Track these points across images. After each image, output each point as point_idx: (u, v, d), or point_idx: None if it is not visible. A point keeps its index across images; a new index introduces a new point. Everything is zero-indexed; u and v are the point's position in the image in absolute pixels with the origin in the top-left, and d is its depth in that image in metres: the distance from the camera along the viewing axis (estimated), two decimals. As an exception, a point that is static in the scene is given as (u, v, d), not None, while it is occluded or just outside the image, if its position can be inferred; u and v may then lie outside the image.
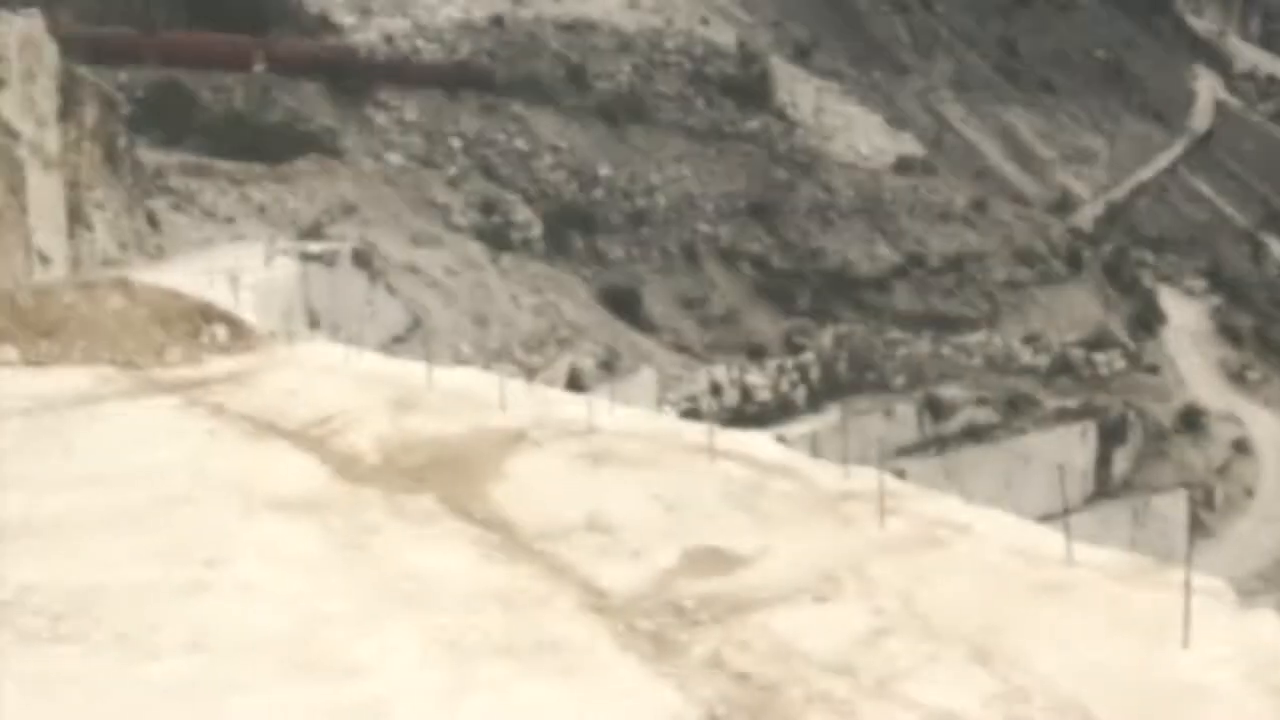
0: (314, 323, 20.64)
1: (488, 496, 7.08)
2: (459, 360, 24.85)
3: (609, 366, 31.48)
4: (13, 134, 14.87)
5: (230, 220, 26.15)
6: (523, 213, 36.00)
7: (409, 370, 10.93)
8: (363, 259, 24.46)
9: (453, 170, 35.37)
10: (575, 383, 28.72)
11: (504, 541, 6.21)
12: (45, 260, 15.66)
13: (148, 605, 5.09)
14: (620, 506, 6.83)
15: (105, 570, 5.52)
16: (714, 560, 6.03)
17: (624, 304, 36.06)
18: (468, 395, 9.71)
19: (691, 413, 31.00)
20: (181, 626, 4.88)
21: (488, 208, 34.23)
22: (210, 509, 6.54)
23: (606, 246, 39.95)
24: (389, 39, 40.68)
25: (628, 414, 9.48)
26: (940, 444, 35.47)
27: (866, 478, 6.88)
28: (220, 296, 14.15)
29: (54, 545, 5.88)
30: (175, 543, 5.94)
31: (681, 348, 37.87)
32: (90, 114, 19.69)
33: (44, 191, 15.91)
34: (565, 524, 6.57)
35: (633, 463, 7.61)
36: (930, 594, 5.21)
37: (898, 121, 55.81)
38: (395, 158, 34.12)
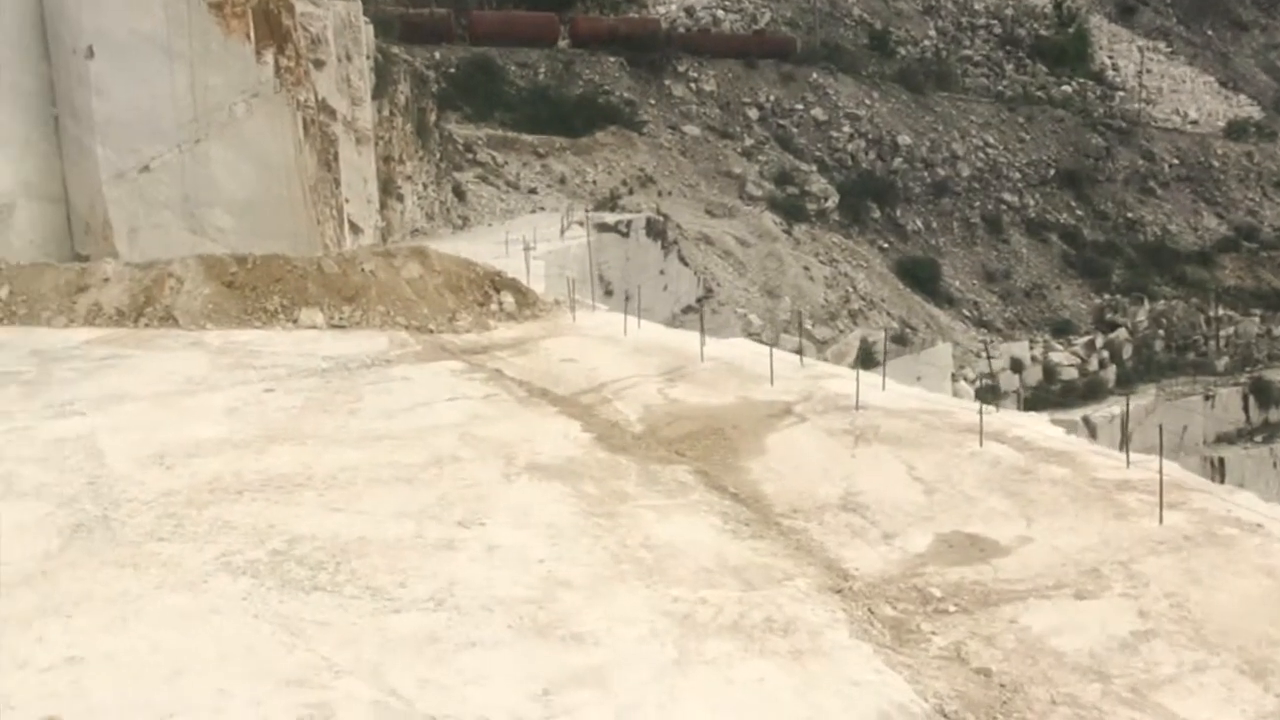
0: (607, 292, 21.10)
1: (744, 470, 7.00)
2: (748, 331, 24.87)
3: (902, 340, 30.70)
4: (329, 111, 15.92)
5: (532, 191, 27.11)
6: (818, 183, 35.55)
7: (685, 341, 10.98)
8: (657, 229, 24.84)
9: (749, 141, 35.31)
10: (866, 356, 28.18)
11: (752, 516, 6.11)
12: (356, 230, 16.74)
13: (400, 560, 5.31)
14: (878, 486, 6.60)
15: (369, 525, 5.80)
16: (970, 547, 5.72)
17: (921, 277, 35.06)
18: (738, 368, 9.64)
19: (988, 390, 29.85)
20: (428, 583, 5.06)
21: (783, 178, 34.01)
22: (473, 471, 6.77)
23: (905, 217, 38.93)
24: (689, 10, 40.95)
25: (900, 391, 9.17)
26: (1268, 432, 32.66)
27: (1149, 467, 6.34)
28: (512, 266, 14.70)
29: (328, 499, 6.24)
30: (436, 502, 6.17)
31: (981, 323, 36.46)
32: (402, 91, 20.86)
33: (356, 166, 16.99)
34: (818, 501, 6.41)
35: (897, 441, 7.33)
36: (1204, 597, 4.73)
37: (1232, 83, 51.50)
38: (692, 129, 34.38)
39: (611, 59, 34.52)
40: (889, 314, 31.73)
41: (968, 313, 36.38)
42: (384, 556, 5.36)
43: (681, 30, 39.05)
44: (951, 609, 4.98)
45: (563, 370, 9.85)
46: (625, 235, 23.19)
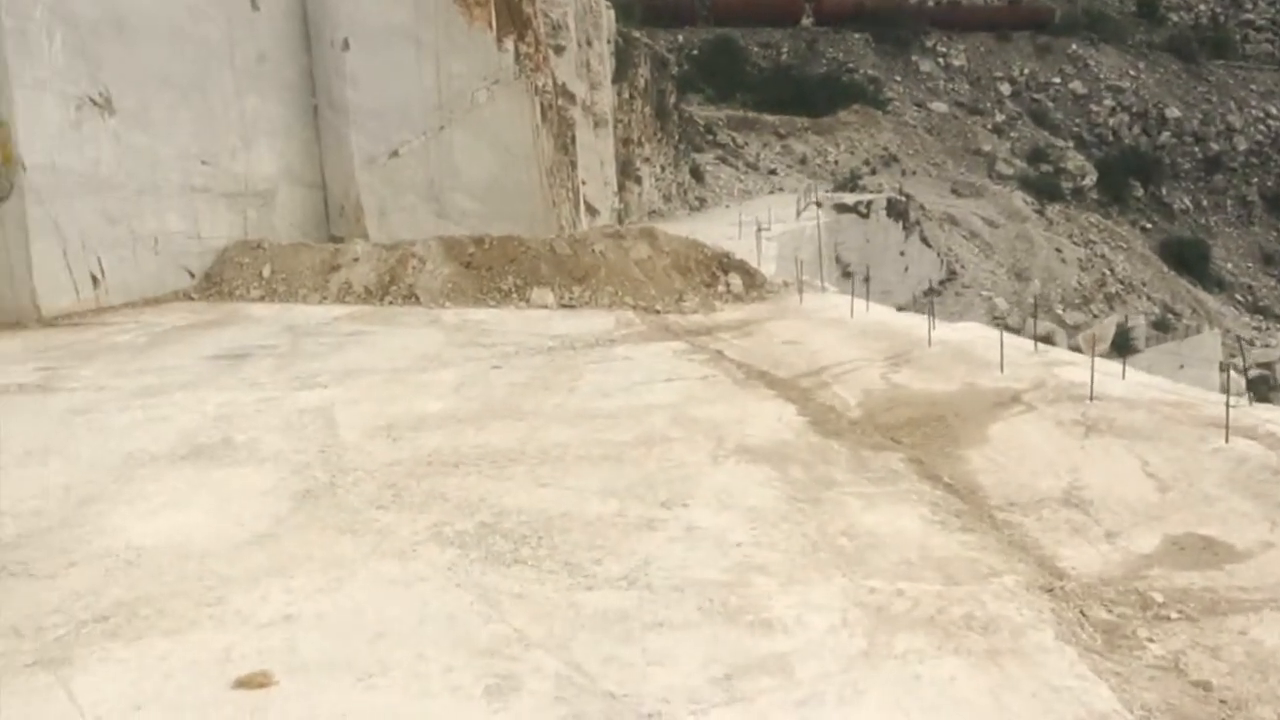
0: (845, 273, 20.78)
1: (961, 459, 6.74)
2: (994, 315, 24.01)
3: (1164, 326, 29.00)
4: (568, 96, 16.27)
5: (772, 172, 26.99)
6: (1075, 160, 33.97)
7: (913, 325, 10.69)
8: (898, 209, 24.30)
9: (1000, 117, 34.07)
10: (1123, 342, 26.77)
11: (964, 508, 5.88)
12: (593, 212, 17.06)
13: (600, 538, 5.37)
14: (1106, 481, 6.23)
15: (574, 501, 5.89)
16: (1202, 551, 5.32)
17: (1188, 259, 33.04)
18: (967, 353, 9.31)
19: (1262, 382, 27.88)
20: (624, 561, 5.09)
21: (1036, 156, 32.66)
22: (681, 452, 6.78)
23: (1171, 195, 36.75)
24: (939, -16, 39.85)
25: (1141, 381, 8.63)
26: None
27: None
28: (744, 247, 14.66)
29: (538, 474, 6.38)
30: (641, 481, 6.21)
31: (1256, 308, 34.07)
32: (642, 74, 21.09)
33: (594, 149, 17.30)
34: (1038, 495, 6.11)
35: (1131, 434, 6.90)
36: None
37: None
38: (940, 105, 33.44)
39: (857, 35, 33.94)
40: (1149, 298, 30.03)
41: (1240, 297, 34.05)
42: (584, 533, 5.43)
43: (930, 4, 38.00)
44: (1174, 615, 4.65)
45: (784, 353, 9.75)
46: (865, 216, 22.78)
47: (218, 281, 13.62)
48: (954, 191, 28.38)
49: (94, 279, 12.38)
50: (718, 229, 17.47)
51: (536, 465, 6.54)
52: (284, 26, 15.11)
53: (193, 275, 13.64)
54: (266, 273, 13.62)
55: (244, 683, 4.06)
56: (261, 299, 13.17)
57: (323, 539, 5.47)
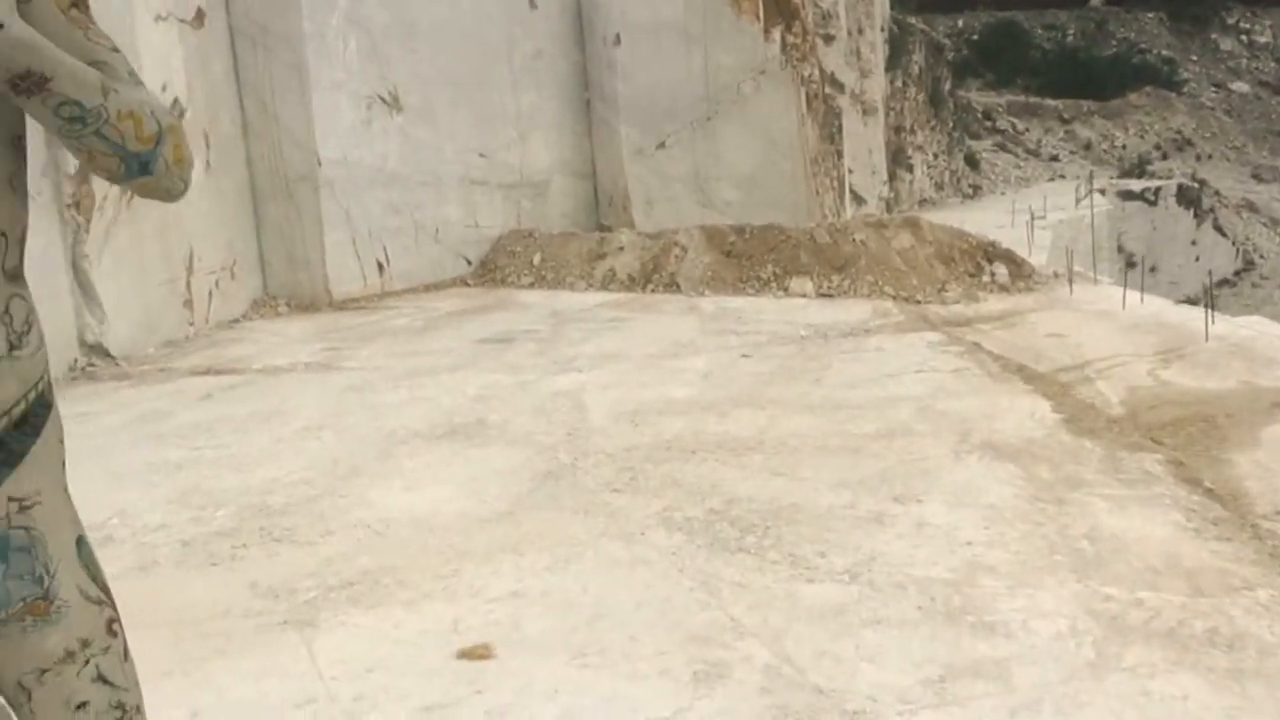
0: (1130, 264, 19.68)
1: (1227, 463, 6.29)
2: (1299, 310, 22.15)
3: None
4: (836, 85, 16.10)
5: (1054, 159, 25.81)
6: (1402, 141, 30.82)
7: (1191, 318, 10.03)
8: (1190, 196, 22.78)
9: (1315, 96, 31.37)
10: None
11: (1224, 515, 5.48)
12: (859, 201, 16.83)
13: (826, 530, 5.33)
14: (1397, 493, 5.68)
15: (805, 492, 5.87)
16: None
17: None
18: (1247, 350, 8.67)
19: None
20: (848, 555, 5.04)
21: (1354, 137, 29.85)
22: (923, 446, 6.63)
23: None
24: (1248, -45, 36.97)
25: None
26: None
27: None
28: (1015, 236, 14.12)
29: (773, 463, 6.39)
30: (876, 475, 6.12)
31: None
32: (916, 61, 20.61)
33: (862, 137, 17.06)
34: (1314, 505, 5.63)
35: None
36: None
37: None
38: (1241, 86, 31.05)
39: (1150, 15, 31.94)
40: None
41: None
42: (811, 525, 5.40)
43: (1235, -23, 35.34)
44: None
45: (1045, 346, 9.35)
46: (1153, 203, 21.46)
47: (492, 269, 14.25)
48: (1254, 177, 26.33)
49: (380, 266, 13.21)
50: (989, 217, 16.89)
51: (773, 455, 6.54)
52: (559, 24, 15.63)
53: (469, 262, 14.32)
54: (537, 260, 14.15)
55: (466, 654, 4.28)
56: (531, 285, 13.69)
57: (557, 519, 5.67)
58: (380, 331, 11.11)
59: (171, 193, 1.88)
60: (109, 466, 7.02)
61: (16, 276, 1.91)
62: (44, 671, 1.86)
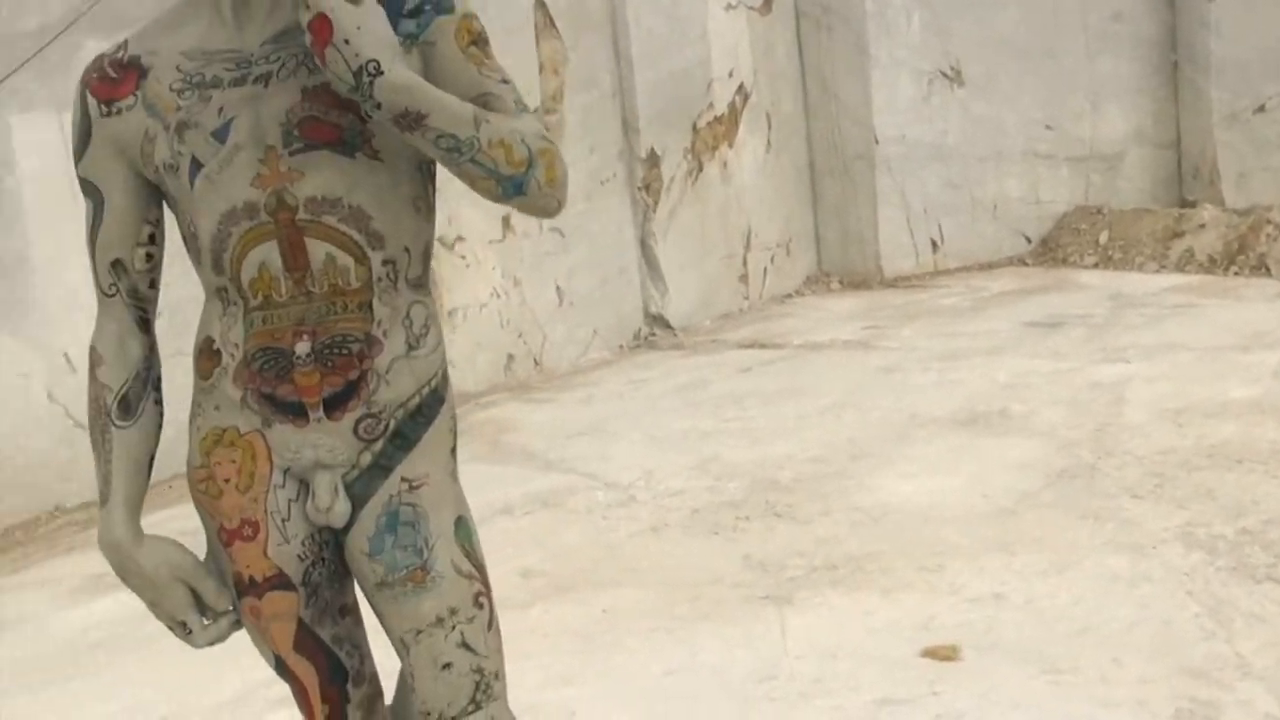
0: None
1: None
2: None
3: None
4: None
5: None
6: None
7: None
8: None
9: None
10: None
11: None
12: None
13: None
14: None
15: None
16: None
17: None
18: None
19: None
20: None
21: None
22: None
23: None
24: None
25: None
26: None
27: None
28: None
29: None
30: None
31: None
32: None
33: None
34: None
35: None
36: None
37: None
38: None
39: None
40: None
41: None
42: (1361, 558, 4.65)
43: None
44: None
45: None
46: None
47: (1053, 247, 13.58)
48: None
49: (933, 244, 13.07)
50: None
51: None
52: (1146, -19, 14.47)
53: (1029, 240, 13.75)
54: (1103, 239, 13.28)
55: (931, 652, 4.17)
56: (1095, 266, 12.88)
57: (1061, 521, 5.34)
58: (925, 311, 11.01)
59: (547, 210, 2.05)
60: (649, 430, 7.62)
61: (419, 285, 2.17)
62: (419, 632, 2.11)
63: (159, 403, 2.26)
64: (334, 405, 2.09)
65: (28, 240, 6.91)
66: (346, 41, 1.85)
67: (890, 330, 10.21)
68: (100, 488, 2.19)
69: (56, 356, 6.97)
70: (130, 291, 2.21)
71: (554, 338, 10.13)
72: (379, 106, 1.90)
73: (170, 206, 2.19)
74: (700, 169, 11.37)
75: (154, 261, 2.23)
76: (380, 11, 1.92)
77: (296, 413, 2.09)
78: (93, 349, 2.24)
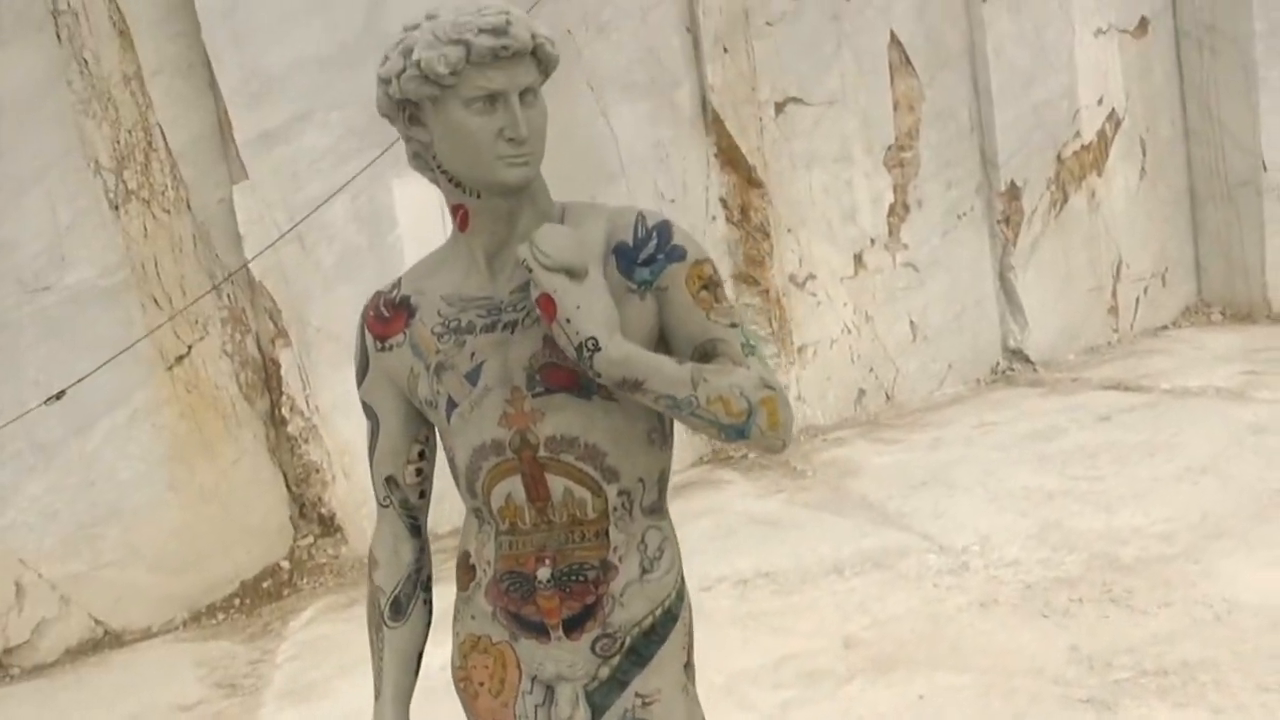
0: None
1: None
2: None
3: None
4: None
5: None
6: None
7: None
8: None
9: None
10: None
11: None
12: None
13: None
14: None
15: None
16: None
17: None
18: None
19: None
20: None
21: None
22: None
23: None
24: None
25: None
26: None
27: None
28: None
29: None
30: None
31: None
32: None
33: None
34: None
35: None
36: None
37: None
38: None
39: None
40: None
41: None
42: None
43: None
44: None
45: None
46: None
47: None
48: None
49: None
50: None
51: None
52: None
53: None
54: None
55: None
56: None
57: None
58: (1317, 353, 10.10)
59: (771, 450, 2.20)
60: (991, 486, 7.52)
61: (654, 511, 2.37)
62: None
63: (428, 602, 2.55)
64: (573, 626, 2.30)
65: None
66: (568, 320, 2.06)
67: (1270, 377, 9.44)
68: (375, 682, 2.50)
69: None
70: (402, 503, 2.50)
71: (906, 371, 10.14)
72: (599, 375, 2.10)
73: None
74: (1065, 200, 10.97)
75: (423, 475, 2.52)
76: (602, 287, 2.12)
77: (539, 630, 2.33)
78: (371, 553, 2.56)
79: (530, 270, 2.11)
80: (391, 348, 2.39)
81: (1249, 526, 6.32)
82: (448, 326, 2.31)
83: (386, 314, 2.41)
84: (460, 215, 2.30)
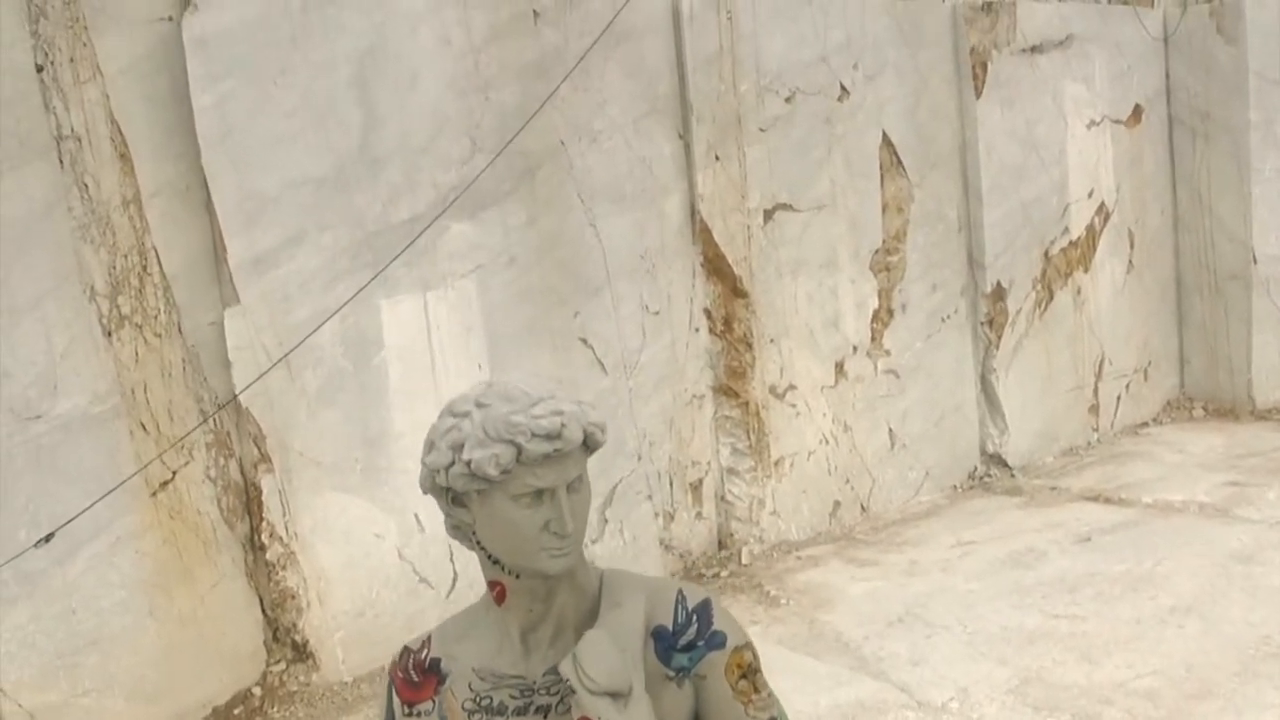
0: None
1: None
2: None
3: None
4: None
5: None
6: None
7: None
8: None
9: None
10: None
11: None
12: None
13: None
14: None
15: None
16: None
17: None
18: None
19: None
20: None
21: None
22: None
23: None
24: None
25: None
26: None
27: None
28: None
29: None
30: None
31: None
32: None
33: None
34: None
35: None
36: None
37: None
38: None
39: None
40: None
41: None
42: None
43: None
44: None
45: None
46: None
47: None
48: None
49: (1316, 368, 12.02)
50: None
51: None
52: None
53: None
54: None
55: None
56: None
57: None
58: (1296, 461, 10.16)
59: None
60: (970, 626, 7.49)
61: None
62: None
63: None
64: None
65: (390, 412, 7.68)
66: None
67: (1254, 490, 9.49)
68: None
69: (408, 518, 7.72)
70: None
71: (883, 481, 10.09)
72: None
73: None
74: (1050, 298, 11.01)
75: None
76: (645, 704, 2.10)
77: None
78: None
79: (573, 691, 2.09)
80: (420, 715, 2.36)
81: (1234, 686, 6.32)
82: (479, 704, 2.29)
83: (416, 678, 2.39)
84: (498, 591, 2.28)
